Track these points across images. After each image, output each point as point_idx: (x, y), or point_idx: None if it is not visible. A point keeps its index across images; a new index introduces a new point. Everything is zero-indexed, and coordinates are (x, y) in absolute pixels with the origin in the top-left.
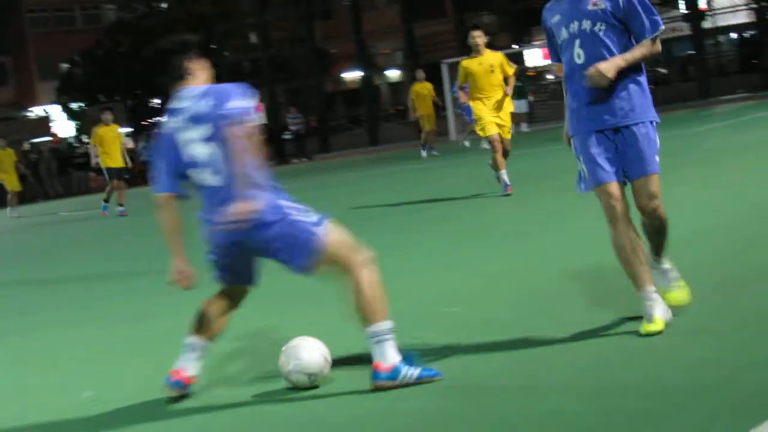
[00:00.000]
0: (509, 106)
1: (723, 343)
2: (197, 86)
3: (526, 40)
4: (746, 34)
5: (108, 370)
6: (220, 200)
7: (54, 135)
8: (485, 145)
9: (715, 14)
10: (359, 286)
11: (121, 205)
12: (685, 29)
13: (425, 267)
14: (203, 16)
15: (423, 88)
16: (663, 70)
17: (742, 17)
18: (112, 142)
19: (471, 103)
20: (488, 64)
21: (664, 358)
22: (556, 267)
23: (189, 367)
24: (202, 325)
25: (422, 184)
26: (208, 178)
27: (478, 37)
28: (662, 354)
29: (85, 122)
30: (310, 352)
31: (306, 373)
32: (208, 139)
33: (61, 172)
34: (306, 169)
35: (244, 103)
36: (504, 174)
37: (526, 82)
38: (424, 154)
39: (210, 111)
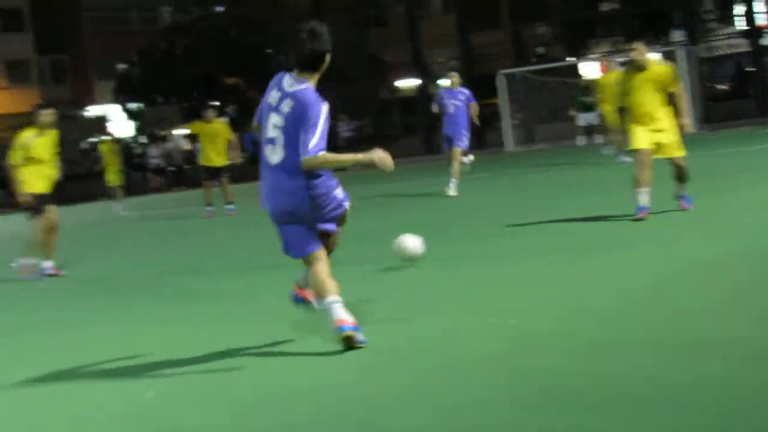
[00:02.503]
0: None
1: None
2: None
3: (581, 52)
4: None
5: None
6: None
7: (111, 134)
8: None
9: None
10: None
11: (230, 203)
12: (743, 46)
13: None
14: (259, 20)
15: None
16: (723, 87)
17: None
18: (211, 140)
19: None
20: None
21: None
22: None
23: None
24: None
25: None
26: None
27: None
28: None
29: (144, 122)
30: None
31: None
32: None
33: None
34: (359, 177)
35: None
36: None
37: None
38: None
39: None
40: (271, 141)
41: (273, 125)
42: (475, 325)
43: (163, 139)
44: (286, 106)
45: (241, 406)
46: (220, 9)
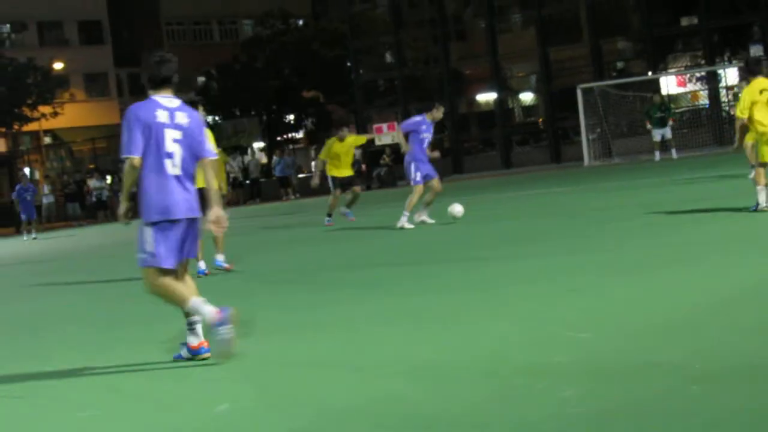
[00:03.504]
0: None
1: None
2: None
3: (661, 68)
4: None
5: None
6: None
7: None
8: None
9: None
10: None
11: (348, 206)
12: None
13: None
14: (338, 34)
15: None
16: None
17: None
18: (345, 155)
19: None
20: None
21: None
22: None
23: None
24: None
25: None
26: None
27: None
28: None
29: (221, 136)
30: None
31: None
32: None
33: None
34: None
35: None
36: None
37: (669, 109)
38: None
39: None
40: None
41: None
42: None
43: (243, 152)
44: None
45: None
46: (300, 22)
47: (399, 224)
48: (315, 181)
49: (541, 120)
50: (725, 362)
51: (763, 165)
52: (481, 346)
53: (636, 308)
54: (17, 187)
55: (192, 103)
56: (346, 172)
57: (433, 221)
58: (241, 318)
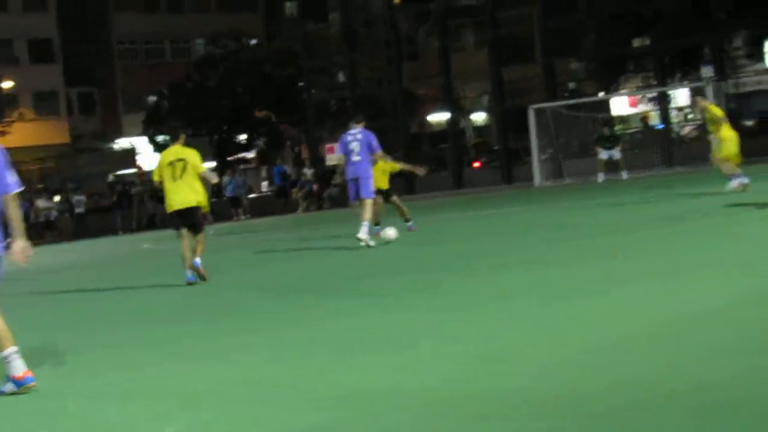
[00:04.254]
0: None
1: None
2: None
3: (613, 88)
4: None
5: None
6: None
7: (139, 167)
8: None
9: None
10: None
11: (407, 220)
12: None
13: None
14: (291, 53)
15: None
16: (749, 123)
17: None
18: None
19: None
20: None
21: None
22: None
23: None
24: None
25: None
26: None
27: None
28: None
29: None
30: None
31: None
32: None
33: (141, 205)
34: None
35: None
36: None
37: (618, 138)
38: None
39: None
40: None
41: None
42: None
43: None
44: None
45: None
46: (253, 42)
47: (360, 235)
48: None
49: (474, 143)
50: (674, 384)
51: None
52: (430, 372)
53: (591, 327)
54: None
55: (174, 129)
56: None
57: (373, 243)
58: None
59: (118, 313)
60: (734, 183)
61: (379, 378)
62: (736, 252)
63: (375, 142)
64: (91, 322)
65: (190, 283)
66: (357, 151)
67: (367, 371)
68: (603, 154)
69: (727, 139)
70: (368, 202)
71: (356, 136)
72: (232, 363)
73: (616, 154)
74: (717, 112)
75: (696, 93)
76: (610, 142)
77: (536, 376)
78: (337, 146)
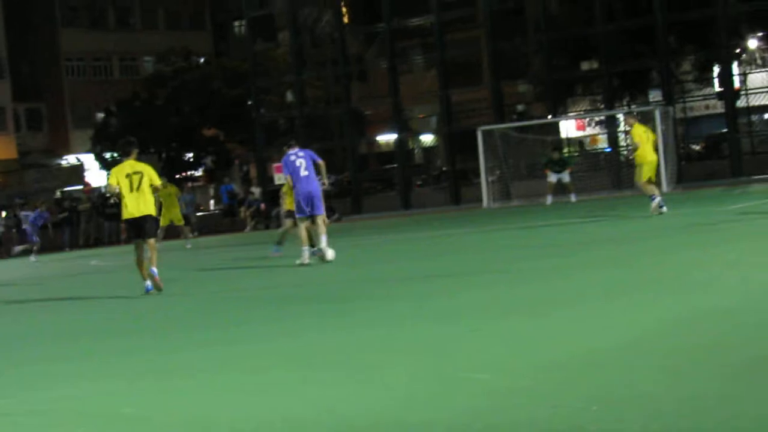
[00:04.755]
0: None
1: None
2: None
3: (561, 111)
4: None
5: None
6: None
7: (86, 184)
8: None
9: (749, 94)
10: None
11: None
12: (719, 107)
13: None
14: (240, 72)
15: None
16: (696, 147)
17: None
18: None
19: None
20: None
21: None
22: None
23: None
24: None
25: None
26: None
27: None
28: None
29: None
30: None
31: None
32: None
33: (88, 221)
34: (340, 229)
35: None
36: None
37: (569, 155)
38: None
39: None
40: None
41: None
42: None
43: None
44: None
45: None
46: (202, 60)
47: (328, 257)
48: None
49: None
50: (625, 403)
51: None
52: (376, 397)
53: (539, 348)
54: None
55: (128, 144)
56: None
57: (309, 262)
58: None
59: (51, 328)
60: (653, 204)
61: (330, 400)
62: (668, 275)
63: (315, 154)
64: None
65: (148, 293)
66: (305, 166)
67: (326, 391)
68: (552, 177)
69: (647, 163)
70: (321, 219)
71: (298, 154)
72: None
73: (566, 177)
74: (641, 135)
75: (643, 117)
76: (559, 165)
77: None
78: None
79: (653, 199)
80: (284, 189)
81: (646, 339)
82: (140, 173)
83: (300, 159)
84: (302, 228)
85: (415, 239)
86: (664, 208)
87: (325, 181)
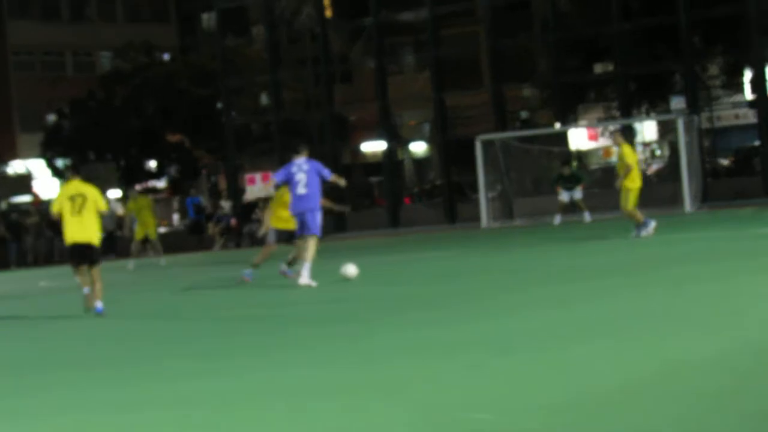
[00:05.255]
0: None
1: None
2: None
3: (571, 119)
4: None
5: None
6: None
7: (35, 195)
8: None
9: None
10: None
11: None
12: (750, 117)
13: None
14: (209, 71)
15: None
16: (725, 162)
17: None
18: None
19: None
20: None
21: None
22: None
23: None
24: None
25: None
26: None
27: None
28: None
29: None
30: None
31: None
32: None
33: (38, 236)
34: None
35: None
36: None
37: (579, 179)
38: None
39: None
40: None
41: None
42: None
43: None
44: None
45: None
46: (166, 56)
47: (302, 281)
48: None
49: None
50: None
51: None
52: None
53: (545, 387)
54: None
55: (75, 166)
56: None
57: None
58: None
59: None
60: (649, 229)
61: None
62: (687, 308)
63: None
64: None
65: (98, 315)
66: (304, 183)
67: None
68: (564, 195)
69: (632, 189)
70: (312, 241)
71: (302, 166)
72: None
73: (577, 194)
74: (629, 157)
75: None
76: (571, 182)
77: None
78: (272, 175)
79: (648, 224)
80: (272, 203)
81: (662, 378)
82: (83, 195)
83: (302, 173)
84: (311, 245)
85: (404, 262)
86: (650, 229)
87: (342, 182)
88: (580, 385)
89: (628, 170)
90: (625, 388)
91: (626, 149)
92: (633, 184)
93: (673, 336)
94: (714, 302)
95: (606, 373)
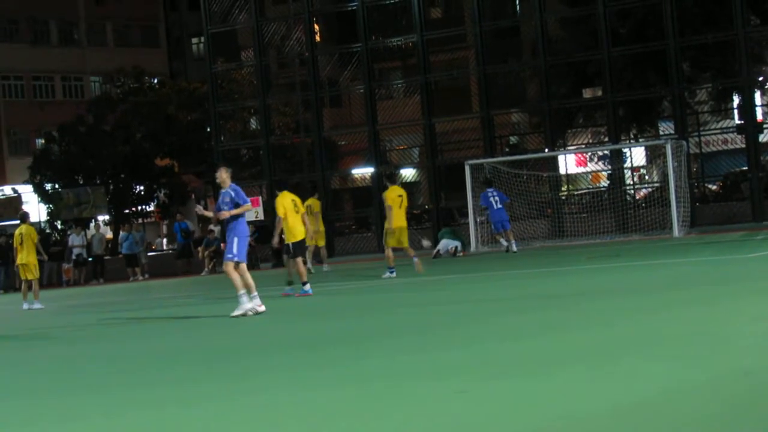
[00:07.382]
0: None
1: None
2: None
3: (560, 144)
4: None
5: None
6: None
7: (26, 215)
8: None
9: None
10: None
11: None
12: (738, 142)
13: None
14: (198, 95)
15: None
16: (713, 187)
17: None
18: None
19: None
20: None
21: None
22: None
23: None
24: None
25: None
26: None
27: None
28: None
29: (60, 206)
30: None
31: None
32: None
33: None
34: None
35: None
36: None
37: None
38: None
39: None
40: None
41: None
42: None
43: (86, 226)
44: None
45: None
46: (155, 81)
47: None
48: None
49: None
50: None
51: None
52: None
53: (534, 413)
54: None
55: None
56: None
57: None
58: None
59: None
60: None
61: None
62: (675, 332)
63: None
64: None
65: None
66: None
67: None
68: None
69: (398, 229)
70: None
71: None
72: None
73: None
74: (394, 199)
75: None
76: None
77: None
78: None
79: (392, 272)
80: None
81: (651, 404)
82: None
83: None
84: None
85: (393, 286)
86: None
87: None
88: (567, 410)
89: (389, 209)
90: (613, 414)
91: (391, 192)
92: (396, 223)
93: (662, 361)
94: (703, 327)
95: (594, 399)
